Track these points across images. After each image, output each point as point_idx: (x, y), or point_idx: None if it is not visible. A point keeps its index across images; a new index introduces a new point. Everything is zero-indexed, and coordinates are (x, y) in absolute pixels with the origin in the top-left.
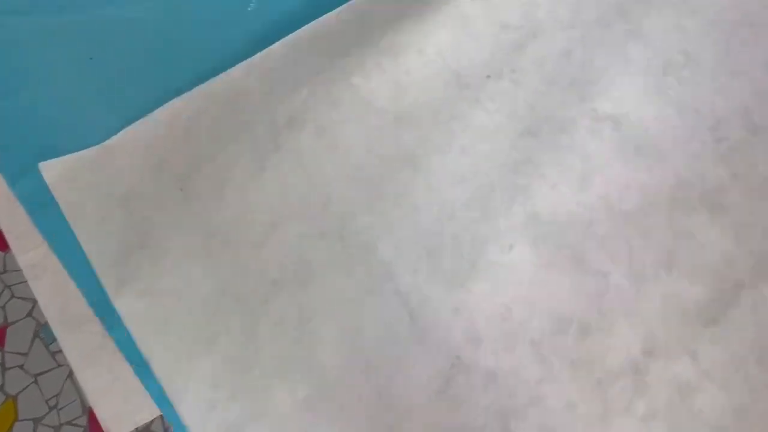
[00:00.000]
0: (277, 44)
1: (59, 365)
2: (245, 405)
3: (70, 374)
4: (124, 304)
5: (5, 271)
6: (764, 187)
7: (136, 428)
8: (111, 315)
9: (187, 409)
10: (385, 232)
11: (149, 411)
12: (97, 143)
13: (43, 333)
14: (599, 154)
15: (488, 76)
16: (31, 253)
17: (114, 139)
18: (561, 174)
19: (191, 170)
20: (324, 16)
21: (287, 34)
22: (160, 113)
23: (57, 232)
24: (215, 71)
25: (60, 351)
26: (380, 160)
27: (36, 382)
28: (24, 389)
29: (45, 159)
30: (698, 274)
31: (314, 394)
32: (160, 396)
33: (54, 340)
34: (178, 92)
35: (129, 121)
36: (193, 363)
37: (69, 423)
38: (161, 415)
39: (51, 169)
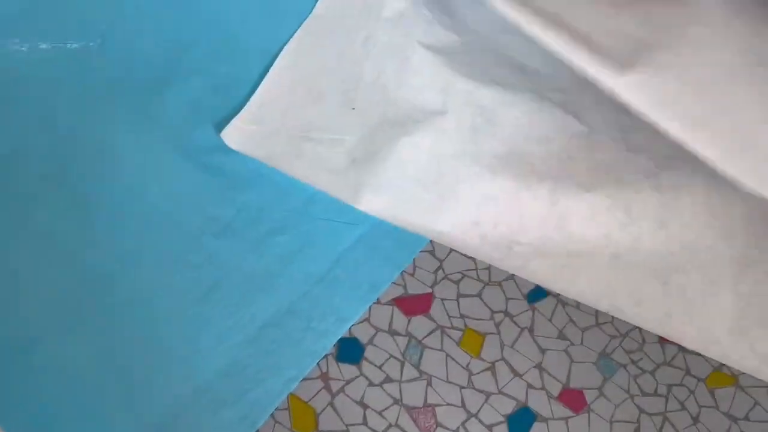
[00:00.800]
0: None
1: None
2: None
3: None
4: (366, 207)
5: None
6: None
7: None
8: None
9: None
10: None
11: None
12: None
13: None
14: None
15: None
16: None
17: (259, 92)
18: None
19: (340, 87)
20: None
21: (135, 72)
22: (284, 59)
23: None
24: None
25: None
26: None
27: None
28: None
29: None
30: None
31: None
32: None
33: None
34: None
35: None
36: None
37: None
38: None
39: (231, 137)
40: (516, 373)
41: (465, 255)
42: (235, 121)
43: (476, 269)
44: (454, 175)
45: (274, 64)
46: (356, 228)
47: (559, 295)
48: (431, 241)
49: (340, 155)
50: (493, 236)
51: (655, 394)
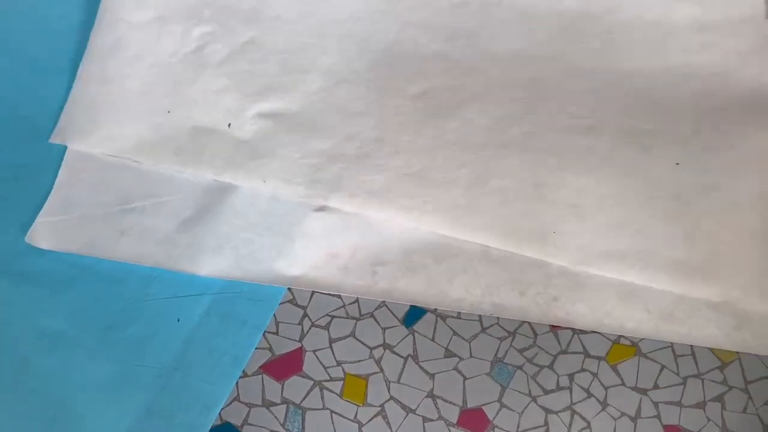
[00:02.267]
0: None
1: None
2: None
3: None
4: (208, 271)
5: None
6: None
7: None
8: None
9: None
10: None
11: None
12: None
13: None
14: None
15: None
16: None
17: (62, 174)
18: None
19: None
20: None
21: None
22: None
23: None
24: None
25: None
26: None
27: None
28: None
29: None
30: None
31: None
32: None
33: None
34: None
35: None
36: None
37: None
38: None
39: (39, 236)
40: (408, 410)
41: (329, 294)
42: (41, 218)
43: (344, 306)
44: (299, 212)
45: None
46: (203, 298)
47: (436, 309)
48: (289, 289)
49: (167, 220)
50: (354, 265)
51: (558, 388)
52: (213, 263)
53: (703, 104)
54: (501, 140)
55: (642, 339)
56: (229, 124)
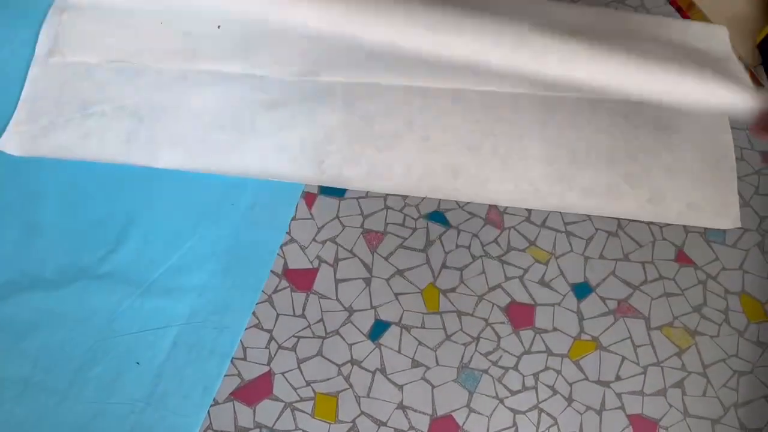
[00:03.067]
0: None
1: None
2: None
3: None
4: (165, 163)
5: None
6: None
7: None
8: None
9: None
10: None
11: None
12: None
13: None
14: None
15: None
16: None
17: (27, 88)
18: None
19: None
20: None
21: None
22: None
23: None
24: None
25: None
26: None
27: None
28: None
29: None
30: None
31: None
32: None
33: None
34: None
35: None
36: None
37: None
38: None
39: (10, 144)
40: (380, 423)
41: (294, 315)
42: (11, 127)
43: (309, 326)
44: (249, 114)
45: (36, 52)
46: (169, 330)
47: (401, 321)
48: (254, 313)
49: (126, 120)
50: (303, 156)
51: (524, 388)
52: (170, 157)
53: None
54: None
55: (602, 333)
56: (219, 26)
